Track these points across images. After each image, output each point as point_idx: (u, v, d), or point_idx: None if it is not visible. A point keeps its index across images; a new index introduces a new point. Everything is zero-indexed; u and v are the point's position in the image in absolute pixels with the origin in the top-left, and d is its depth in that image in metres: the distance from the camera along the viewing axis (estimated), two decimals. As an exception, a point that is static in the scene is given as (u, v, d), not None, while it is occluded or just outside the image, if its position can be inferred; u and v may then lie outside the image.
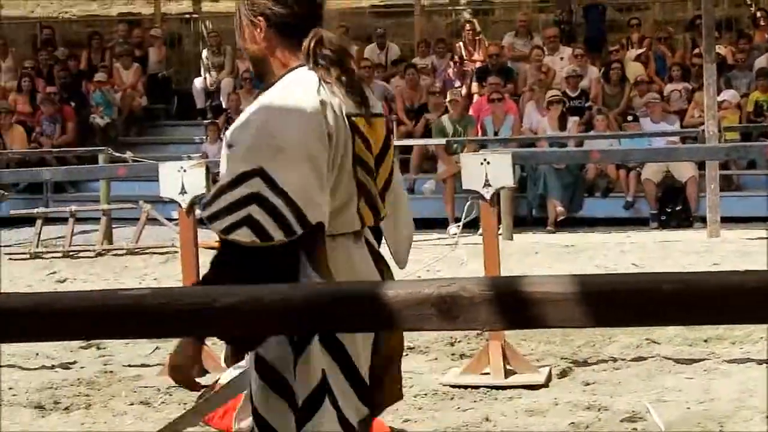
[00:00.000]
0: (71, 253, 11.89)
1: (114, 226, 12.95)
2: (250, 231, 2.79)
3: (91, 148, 14.84)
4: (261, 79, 3.26)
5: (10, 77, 17.15)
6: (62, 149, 15.33)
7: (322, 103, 2.92)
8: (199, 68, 17.30)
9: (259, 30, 3.07)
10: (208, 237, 11.22)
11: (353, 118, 3.01)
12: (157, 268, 11.14)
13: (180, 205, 7.04)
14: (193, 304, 1.93)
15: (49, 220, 12.70)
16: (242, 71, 16.32)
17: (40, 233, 12.10)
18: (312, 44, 2.98)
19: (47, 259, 11.60)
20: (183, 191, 6.99)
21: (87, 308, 2.01)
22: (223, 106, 16.23)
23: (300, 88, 2.95)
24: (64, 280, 10.69)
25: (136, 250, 11.95)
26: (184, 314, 1.95)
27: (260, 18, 3.06)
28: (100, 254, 11.90)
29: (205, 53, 17.18)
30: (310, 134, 2.88)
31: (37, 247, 11.97)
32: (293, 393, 2.88)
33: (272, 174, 2.82)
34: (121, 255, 11.85)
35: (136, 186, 14.08)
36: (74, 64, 17.29)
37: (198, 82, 17.04)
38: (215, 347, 6.09)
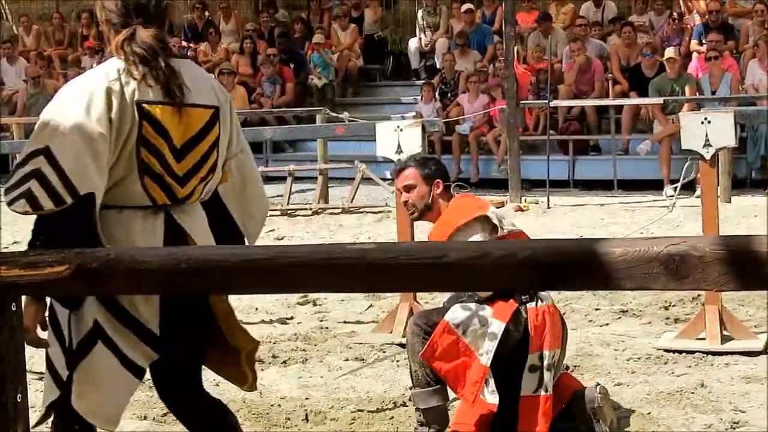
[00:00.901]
0: (289, 211, 12.19)
1: (330, 185, 13.20)
2: (26, 202, 3.22)
3: (308, 109, 15.15)
4: None
5: (233, 39, 17.66)
6: (281, 109, 15.71)
7: (108, 90, 3.32)
8: (415, 28, 17.39)
9: (103, 23, 3.58)
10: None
11: (146, 106, 3.37)
12: (371, 227, 11.31)
13: (394, 164, 7.12)
14: (423, 258, 1.95)
15: (268, 179, 13.05)
16: (457, 31, 16.31)
17: (260, 191, 12.44)
18: (121, 40, 3.39)
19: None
20: (399, 150, 7.05)
21: (315, 261, 2.06)
22: (438, 67, 16.28)
23: (94, 77, 3.39)
24: (282, 238, 10.99)
25: (351, 209, 12.16)
26: (411, 268, 1.97)
27: (103, 13, 3.54)
28: (316, 212, 12.16)
29: (420, 13, 17.24)
30: (90, 117, 3.28)
31: (258, 204, 12.31)
32: (66, 339, 3.40)
33: (54, 152, 3.25)
34: (337, 213, 12.08)
35: (350, 146, 14.32)
36: (294, 26, 17.66)
37: (413, 43, 17.13)
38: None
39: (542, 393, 4.71)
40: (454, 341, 4.64)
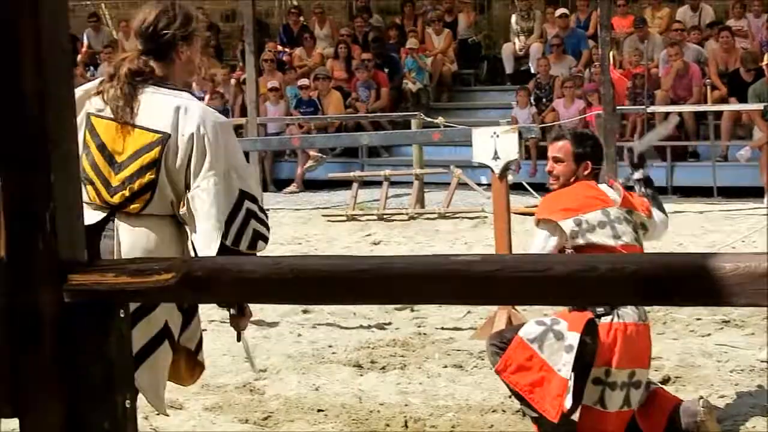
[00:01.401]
0: (385, 216, 12.22)
1: (426, 190, 13.21)
2: None
3: (403, 113, 15.17)
4: None
5: (328, 44, 17.78)
6: (376, 114, 15.76)
7: (81, 97, 3.81)
8: (508, 33, 17.32)
9: None
10: (520, 203, 11.32)
11: (93, 117, 3.87)
12: (468, 232, 11.29)
13: (492, 171, 7.09)
14: (527, 271, 1.94)
15: (364, 183, 13.11)
16: (551, 36, 16.21)
17: (356, 196, 12.50)
18: (116, 59, 4.05)
19: (362, 221, 11.98)
20: (496, 156, 7.04)
21: (417, 272, 2.06)
22: (532, 71, 16.19)
23: (88, 83, 4.03)
24: (378, 242, 11.02)
25: (447, 214, 12.14)
26: (516, 281, 1.96)
27: None
28: (412, 217, 12.17)
29: (514, 18, 17.17)
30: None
31: (353, 209, 12.37)
32: None
33: None
34: (433, 219, 12.08)
35: (446, 150, 14.31)
36: (387, 31, 17.72)
37: (507, 47, 17.06)
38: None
39: (599, 407, 4.66)
40: (530, 356, 4.60)
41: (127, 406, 2.19)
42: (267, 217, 3.94)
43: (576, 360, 4.56)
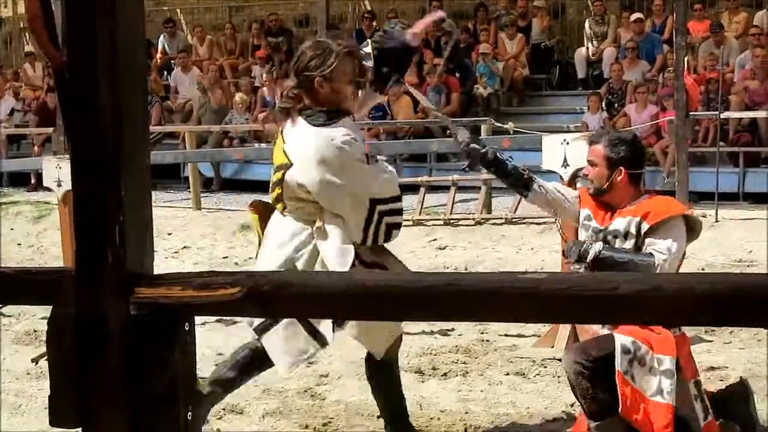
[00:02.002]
0: (451, 221, 12.19)
1: (493, 195, 13.15)
2: None
3: (473, 119, 15.12)
4: None
5: (398, 49, 17.76)
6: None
7: None
8: (582, 38, 17.20)
9: None
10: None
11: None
12: (534, 237, 11.22)
13: (561, 178, 7.05)
14: (594, 290, 1.91)
15: (431, 188, 13.10)
16: (625, 41, 16.06)
17: (423, 201, 12.49)
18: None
19: (429, 226, 11.96)
20: (565, 164, 7.00)
21: (485, 290, 2.04)
22: (605, 76, 16.06)
23: None
24: (444, 248, 11.00)
25: (514, 220, 12.08)
26: (582, 300, 1.94)
27: None
28: (479, 223, 12.13)
29: (588, 23, 17.05)
30: None
31: (420, 214, 12.37)
32: None
33: None
34: (500, 224, 12.02)
35: (515, 155, 14.18)
36: (461, 35, 17.67)
37: (580, 52, 16.95)
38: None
39: (710, 418, 4.59)
40: (632, 390, 4.49)
41: (189, 418, 2.20)
42: (398, 203, 4.69)
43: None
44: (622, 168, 4.77)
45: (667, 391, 4.46)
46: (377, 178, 4.62)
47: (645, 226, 4.64)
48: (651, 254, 4.59)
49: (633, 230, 4.69)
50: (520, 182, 5.04)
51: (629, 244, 4.69)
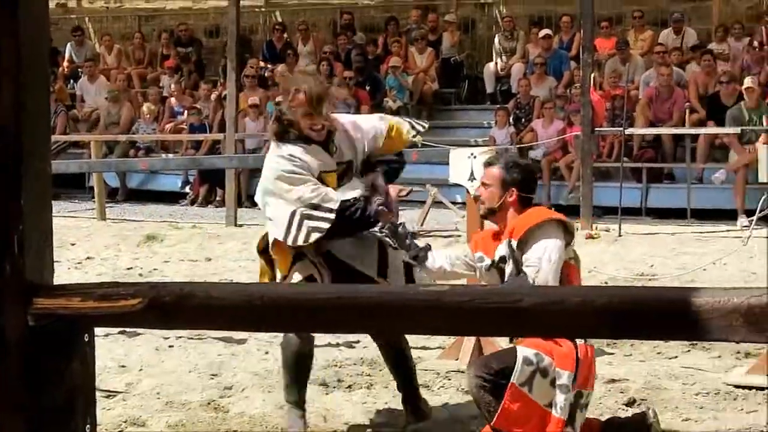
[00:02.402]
0: (360, 233, 12.18)
1: (401, 207, 13.15)
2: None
3: (382, 131, 15.14)
4: None
5: (310, 61, 17.77)
6: (355, 131, 15.73)
7: None
8: (491, 53, 17.37)
9: None
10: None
11: None
12: (440, 250, 11.27)
13: (468, 191, 7.10)
14: (496, 302, 1.93)
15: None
16: (533, 57, 16.26)
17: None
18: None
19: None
20: (472, 177, 7.03)
21: (387, 302, 2.05)
22: (513, 91, 16.24)
23: None
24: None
25: (421, 233, 12.13)
26: (485, 312, 1.95)
27: None
28: (387, 235, 12.13)
29: (497, 38, 17.23)
30: None
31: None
32: None
33: None
34: (407, 237, 12.04)
35: (423, 168, 14.30)
36: (371, 49, 17.73)
37: (489, 67, 17.11)
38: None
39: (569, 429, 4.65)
40: (525, 402, 4.52)
41: (88, 430, 2.17)
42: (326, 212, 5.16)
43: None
44: (514, 189, 4.84)
45: (560, 406, 4.51)
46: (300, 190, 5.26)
47: (514, 244, 4.71)
48: (523, 273, 4.66)
49: (507, 252, 4.76)
50: (414, 257, 5.23)
51: (510, 267, 4.75)
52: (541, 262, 4.62)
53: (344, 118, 5.66)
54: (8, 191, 2.11)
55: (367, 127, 5.54)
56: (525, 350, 4.54)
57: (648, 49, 15.96)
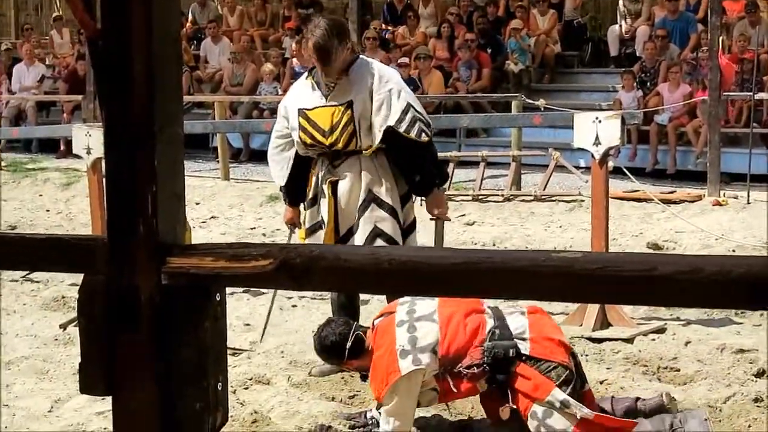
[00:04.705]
0: (480, 197, 12.16)
1: (522, 171, 13.09)
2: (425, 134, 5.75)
3: (504, 95, 15.05)
4: None
5: (431, 23, 17.71)
6: (477, 95, 15.66)
7: None
8: (616, 15, 17.06)
9: None
10: (617, 188, 11.17)
11: None
12: (563, 215, 11.17)
13: (593, 156, 7.00)
14: (629, 270, 1.89)
15: (461, 164, 13.06)
16: (658, 20, 15.92)
17: (452, 176, 12.46)
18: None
19: (458, 201, 11.93)
20: (597, 142, 6.93)
21: (517, 268, 2.03)
22: (638, 54, 15.93)
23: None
24: (473, 223, 10.97)
25: (543, 197, 12.04)
26: (617, 280, 1.92)
27: None
28: (508, 199, 12.09)
29: (622, 0, 16.91)
30: None
31: (449, 189, 12.33)
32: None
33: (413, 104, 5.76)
34: (529, 201, 11.99)
35: (546, 132, 14.18)
36: (493, 11, 17.58)
37: (613, 30, 16.81)
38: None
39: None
40: None
41: (219, 388, 2.20)
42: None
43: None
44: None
45: (578, 414, 4.47)
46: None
47: None
48: None
49: None
50: None
51: None
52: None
53: (377, 69, 5.82)
54: (142, 154, 2.15)
55: (385, 92, 5.69)
56: (533, 407, 4.56)
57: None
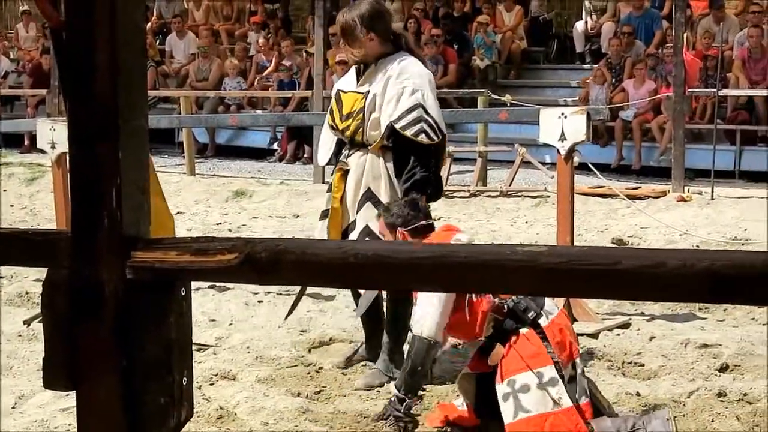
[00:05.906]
0: (447, 193, 12.15)
1: (489, 167, 13.12)
2: (425, 135, 5.53)
3: (470, 90, 15.09)
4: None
5: (397, 18, 17.68)
6: (443, 90, 15.66)
7: None
8: (581, 11, 17.13)
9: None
10: (582, 183, 11.22)
11: None
12: (529, 211, 11.21)
13: (558, 152, 7.02)
14: (594, 264, 1.90)
15: (427, 159, 13.05)
16: (623, 16, 16.00)
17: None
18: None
19: (424, 196, 11.91)
20: (562, 138, 6.96)
21: (482, 262, 2.03)
22: (603, 51, 16.00)
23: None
24: (439, 219, 10.96)
25: (509, 193, 12.07)
26: (581, 274, 1.92)
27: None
28: (474, 195, 12.12)
29: (587, -4, 17.00)
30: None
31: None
32: None
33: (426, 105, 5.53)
34: (495, 196, 12.02)
35: (512, 128, 14.22)
36: (459, 6, 17.59)
37: (579, 26, 16.88)
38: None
39: (584, 400, 4.59)
40: (527, 420, 4.49)
41: (184, 383, 2.19)
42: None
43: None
44: (399, 229, 5.11)
45: (558, 397, 4.48)
46: None
47: None
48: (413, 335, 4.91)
49: None
50: None
51: None
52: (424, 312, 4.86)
53: (403, 65, 5.61)
54: (106, 146, 2.13)
55: (399, 87, 5.57)
56: (498, 387, 4.57)
57: (743, 8, 15.60)
